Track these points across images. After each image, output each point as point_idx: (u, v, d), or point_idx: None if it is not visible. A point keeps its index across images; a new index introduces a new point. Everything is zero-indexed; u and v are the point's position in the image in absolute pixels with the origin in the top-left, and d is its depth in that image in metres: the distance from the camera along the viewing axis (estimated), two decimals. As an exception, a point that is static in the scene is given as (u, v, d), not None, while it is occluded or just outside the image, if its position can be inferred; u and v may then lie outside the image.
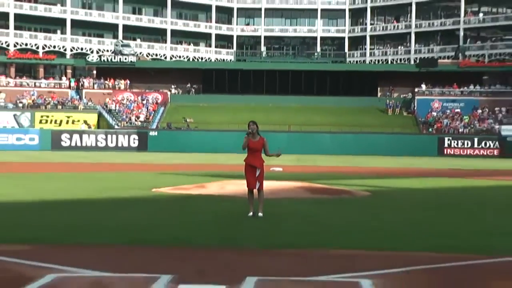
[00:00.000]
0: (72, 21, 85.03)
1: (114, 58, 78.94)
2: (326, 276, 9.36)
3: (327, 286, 8.92)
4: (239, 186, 19.00)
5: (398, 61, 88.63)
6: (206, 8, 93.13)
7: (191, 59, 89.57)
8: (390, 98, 74.12)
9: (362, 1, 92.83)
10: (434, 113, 69.00)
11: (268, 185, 16.26)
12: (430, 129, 66.04)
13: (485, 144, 60.17)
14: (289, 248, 12.00)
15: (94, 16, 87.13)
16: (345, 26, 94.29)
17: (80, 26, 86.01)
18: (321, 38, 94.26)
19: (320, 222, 15.52)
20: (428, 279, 9.55)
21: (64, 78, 75.34)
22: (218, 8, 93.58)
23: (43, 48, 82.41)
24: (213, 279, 8.98)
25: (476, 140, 60.83)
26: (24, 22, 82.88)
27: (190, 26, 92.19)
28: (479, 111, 68.50)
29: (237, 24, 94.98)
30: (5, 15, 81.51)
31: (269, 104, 66.65)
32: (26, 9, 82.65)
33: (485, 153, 58.91)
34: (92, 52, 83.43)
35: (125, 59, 78.42)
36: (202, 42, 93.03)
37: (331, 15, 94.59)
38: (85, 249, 11.56)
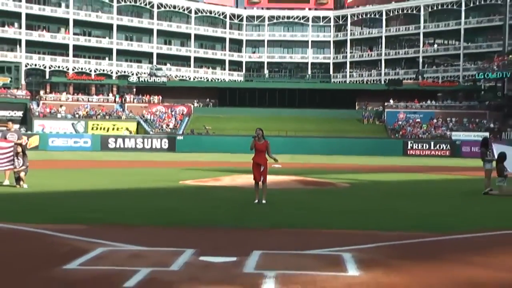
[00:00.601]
0: (117, 50, 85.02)
1: (150, 79, 79.04)
2: (316, 250, 9.43)
3: (317, 258, 8.94)
4: (247, 179, 19.06)
5: (372, 82, 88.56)
6: (222, 40, 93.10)
7: (209, 80, 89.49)
8: (365, 110, 74.07)
9: (343, 34, 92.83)
10: (400, 122, 68.98)
11: (270, 178, 16.31)
12: (397, 135, 66.03)
13: (439, 146, 60.26)
14: (287, 227, 12.06)
15: (134, 46, 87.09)
16: (330, 54, 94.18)
17: (123, 54, 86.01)
18: (311, 63, 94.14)
19: (311, 208, 15.55)
20: (396, 252, 9.62)
21: (110, 94, 75.33)
22: (231, 40, 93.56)
23: (95, 72, 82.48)
24: (226, 252, 9.05)
25: (432, 143, 60.83)
26: (80, 51, 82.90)
27: (209, 54, 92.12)
28: (435, 120, 68.50)
29: (245, 53, 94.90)
30: (66, 46, 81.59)
31: (270, 115, 66.49)
32: (82, 41, 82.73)
33: (439, 154, 58.91)
34: (132, 74, 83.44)
35: (158, 80, 78.51)
36: (218, 67, 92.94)
37: (319, 45, 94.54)
38: (126, 228, 11.64)
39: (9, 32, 78.79)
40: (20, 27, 79.02)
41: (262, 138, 15.61)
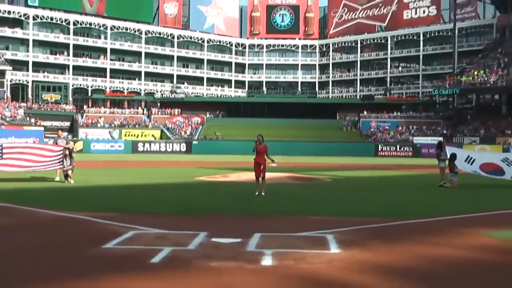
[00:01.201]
0: (145, 72, 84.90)
1: (171, 95, 78.75)
2: (305, 232, 9.44)
3: (305, 239, 8.95)
4: (250, 176, 19.05)
5: (349, 97, 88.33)
6: (228, 64, 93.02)
7: (219, 96, 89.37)
8: (344, 120, 73.86)
9: (326, 59, 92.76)
10: (372, 129, 68.81)
11: (268, 175, 16.31)
12: (369, 139, 65.84)
13: (404, 148, 60.04)
14: (282, 214, 12.07)
15: (159, 69, 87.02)
16: (316, 75, 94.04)
17: (150, 76, 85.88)
18: (301, 82, 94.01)
19: (301, 198, 15.55)
20: (369, 234, 9.63)
21: (139, 108, 75.23)
22: (236, 64, 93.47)
23: (127, 90, 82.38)
24: (233, 234, 9.05)
25: (398, 146, 60.65)
26: (115, 73, 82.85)
27: (218, 75, 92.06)
28: (400, 128, 68.35)
29: (248, 74, 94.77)
30: (104, 70, 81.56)
31: (268, 123, 66.35)
32: (117, 65, 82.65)
33: (404, 154, 58.68)
34: (157, 91, 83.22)
35: (178, 96, 78.30)
36: (225, 85, 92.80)
37: (307, 68, 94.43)
38: (152, 215, 11.62)
39: (60, 59, 78.84)
40: (68, 55, 79.05)
41: (262, 142, 15.62)
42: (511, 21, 66.94)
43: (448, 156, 19.70)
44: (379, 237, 9.31)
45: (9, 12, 75.66)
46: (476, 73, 66.27)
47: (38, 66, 77.12)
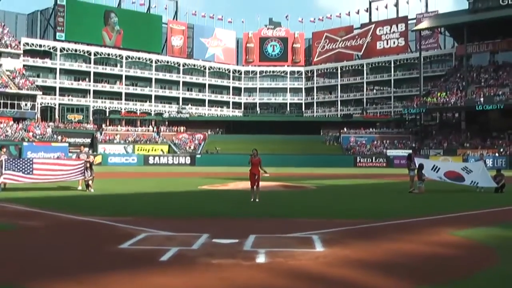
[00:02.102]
0: (155, 96, 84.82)
1: (177, 115, 78.89)
2: (293, 233, 9.41)
3: (294, 239, 8.94)
4: (246, 185, 19.04)
5: (331, 116, 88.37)
6: (227, 88, 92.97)
7: (219, 115, 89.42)
8: (327, 136, 73.73)
9: (311, 83, 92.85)
10: (351, 144, 68.66)
11: (261, 183, 16.29)
12: (349, 152, 65.78)
13: (378, 160, 59.90)
14: (273, 217, 12.05)
15: (167, 93, 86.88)
16: (302, 97, 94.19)
17: (159, 98, 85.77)
18: (290, 103, 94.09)
19: (290, 203, 15.54)
20: (349, 234, 9.61)
21: (150, 126, 75.10)
22: (234, 88, 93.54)
23: (139, 111, 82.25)
24: (231, 235, 9.00)
25: (374, 158, 60.65)
26: (130, 97, 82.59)
27: (218, 97, 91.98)
28: (375, 142, 68.30)
29: (243, 96, 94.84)
30: (120, 94, 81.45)
31: (261, 139, 66.24)
32: (131, 90, 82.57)
33: (378, 165, 58.47)
34: (165, 112, 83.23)
35: (183, 115, 78.39)
36: (225, 106, 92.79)
37: (295, 90, 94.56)
38: (161, 219, 11.59)
39: (82, 84, 78.74)
40: (90, 81, 78.95)
41: (256, 155, 15.62)
42: (467, 51, 67.47)
43: (417, 166, 19.81)
44: (358, 236, 9.29)
45: (40, 46, 76.07)
46: (439, 94, 66.66)
47: (64, 91, 77.15)
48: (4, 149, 21.60)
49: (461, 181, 20.25)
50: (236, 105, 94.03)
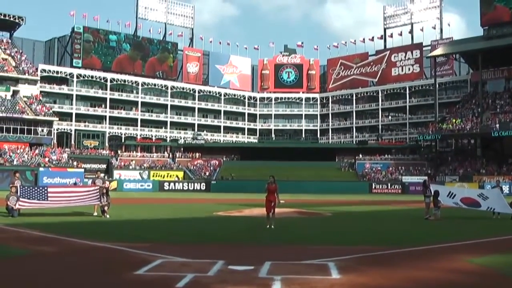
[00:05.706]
0: (170, 122, 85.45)
1: (192, 142, 79.38)
2: (309, 260, 9.37)
3: (310, 266, 8.90)
4: (261, 211, 18.99)
5: (346, 142, 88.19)
6: (242, 114, 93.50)
7: (234, 142, 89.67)
8: (342, 162, 73.40)
9: (326, 110, 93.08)
10: (366, 170, 68.29)
11: (276, 210, 16.27)
12: (364, 179, 65.35)
13: (394, 186, 59.42)
14: (289, 244, 12.01)
15: (182, 119, 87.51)
16: (317, 123, 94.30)
17: (174, 125, 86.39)
18: (305, 129, 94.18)
19: (305, 230, 15.47)
20: (365, 260, 9.54)
21: (165, 152, 75.44)
22: (249, 114, 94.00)
23: (155, 137, 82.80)
24: (247, 262, 8.99)
25: (389, 184, 60.24)
26: (145, 123, 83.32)
27: (233, 124, 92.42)
28: (390, 168, 67.84)
29: (259, 123, 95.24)
30: (136, 120, 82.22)
31: (276, 165, 66.09)
32: (146, 116, 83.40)
33: (394, 192, 57.99)
34: (180, 138, 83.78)
35: (198, 142, 78.83)
36: (240, 132, 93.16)
37: (310, 117, 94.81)
38: (177, 245, 11.61)
39: (99, 111, 79.66)
40: (105, 107, 79.88)
41: (273, 182, 15.57)
42: (482, 77, 67.30)
43: (432, 193, 19.68)
44: (374, 263, 9.22)
45: (57, 72, 77.21)
46: (454, 121, 66.30)
47: (80, 117, 78.05)
48: (18, 174, 21.90)
49: (478, 206, 20.12)
50: (251, 132, 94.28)
